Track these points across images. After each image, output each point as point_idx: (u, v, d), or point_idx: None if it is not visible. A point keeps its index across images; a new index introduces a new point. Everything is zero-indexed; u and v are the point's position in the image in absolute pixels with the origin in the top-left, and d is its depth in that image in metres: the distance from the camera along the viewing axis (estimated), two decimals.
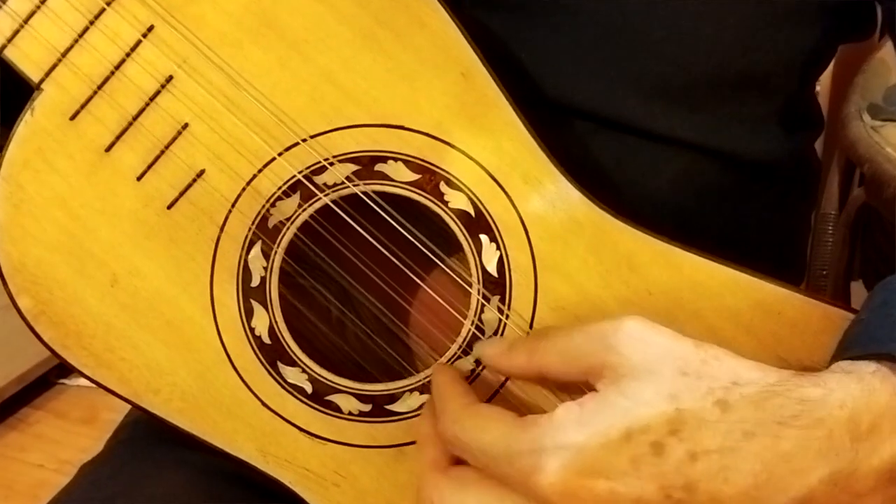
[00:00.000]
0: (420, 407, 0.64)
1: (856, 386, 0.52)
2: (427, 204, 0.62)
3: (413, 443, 0.64)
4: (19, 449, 2.08)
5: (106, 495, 0.73)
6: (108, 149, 0.61)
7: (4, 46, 0.59)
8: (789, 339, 0.61)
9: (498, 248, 0.62)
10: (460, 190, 0.62)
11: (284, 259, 0.63)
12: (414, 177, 0.62)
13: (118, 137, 0.61)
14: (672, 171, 0.71)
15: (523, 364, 0.57)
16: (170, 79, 0.60)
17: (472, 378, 0.63)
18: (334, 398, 0.64)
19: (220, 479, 0.72)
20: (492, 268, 0.62)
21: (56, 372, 2.20)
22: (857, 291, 1.04)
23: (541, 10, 0.67)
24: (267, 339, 0.63)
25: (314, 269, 0.64)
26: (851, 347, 0.55)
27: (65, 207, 0.62)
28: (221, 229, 0.62)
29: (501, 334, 0.63)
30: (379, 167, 0.61)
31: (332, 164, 0.61)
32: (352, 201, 0.62)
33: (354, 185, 0.62)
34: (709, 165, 0.72)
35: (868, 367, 0.53)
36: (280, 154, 0.61)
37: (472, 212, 0.62)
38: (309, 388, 0.64)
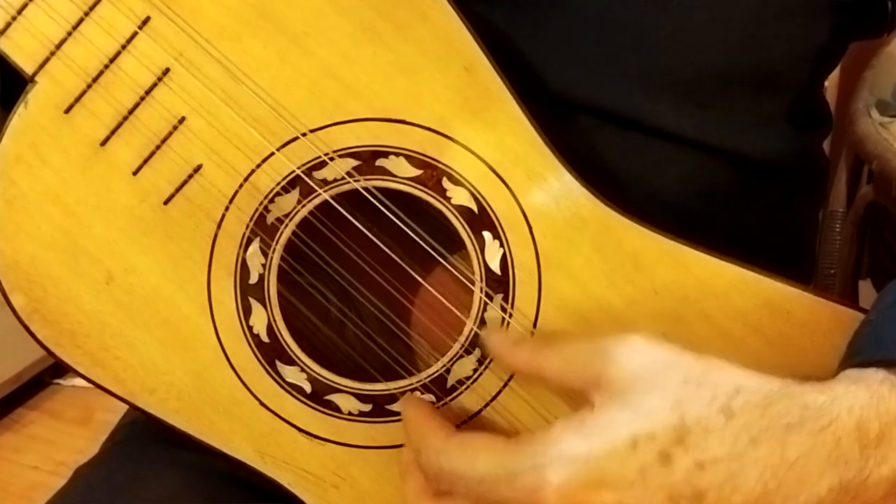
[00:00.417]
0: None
1: (864, 393, 0.52)
2: (429, 200, 0.62)
3: None
4: (13, 450, 2.08)
5: (102, 497, 0.73)
6: (104, 143, 0.61)
7: None
8: (798, 339, 0.61)
9: (501, 245, 0.62)
10: (463, 186, 0.61)
11: (283, 256, 0.62)
12: (415, 172, 0.61)
13: (113, 131, 0.60)
14: (678, 169, 0.71)
15: (525, 360, 0.57)
16: (166, 72, 0.60)
17: (473, 378, 0.63)
18: (334, 398, 0.64)
19: (217, 480, 0.72)
20: (495, 265, 0.62)
21: (51, 372, 2.20)
22: (866, 290, 1.04)
23: (545, 3, 0.67)
24: (265, 338, 0.63)
25: (313, 266, 0.64)
26: (860, 352, 0.55)
27: (59, 203, 0.61)
28: (219, 226, 0.62)
29: None
30: (380, 162, 0.61)
31: (331, 159, 0.61)
32: (352, 197, 0.62)
33: (355, 181, 0.61)
34: (716, 164, 0.72)
35: (876, 375, 0.53)
36: (279, 149, 0.61)
37: (474, 208, 0.61)
38: (308, 388, 0.64)
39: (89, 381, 0.64)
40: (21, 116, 0.60)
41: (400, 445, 0.64)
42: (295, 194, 0.61)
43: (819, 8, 0.70)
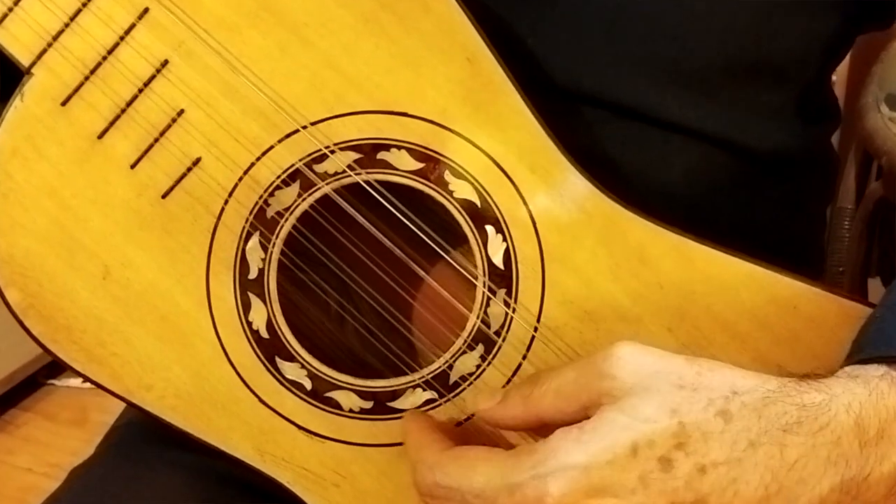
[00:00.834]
0: (423, 404, 0.64)
1: (862, 390, 0.52)
2: (431, 194, 0.62)
3: None
4: (7, 452, 2.08)
5: (97, 499, 0.73)
6: (101, 136, 0.61)
7: None
8: (806, 334, 0.61)
9: (504, 239, 0.62)
10: (465, 179, 0.62)
11: (283, 251, 0.63)
12: (417, 165, 0.61)
13: (111, 124, 0.61)
14: (684, 163, 0.71)
15: (520, 413, 0.57)
16: (165, 63, 0.60)
17: (476, 374, 0.63)
18: (334, 395, 0.64)
19: (215, 481, 0.72)
20: (498, 260, 0.62)
21: (45, 372, 2.20)
22: (875, 289, 1.04)
23: None
24: (265, 334, 0.63)
25: (314, 261, 0.64)
26: (864, 348, 0.56)
27: (55, 197, 0.62)
28: (218, 219, 0.62)
29: (508, 329, 0.63)
30: (381, 155, 0.61)
31: (332, 152, 0.61)
32: (353, 191, 0.62)
33: (356, 174, 0.62)
34: (722, 157, 0.72)
35: (876, 371, 0.53)
36: (279, 142, 0.61)
37: (477, 202, 0.62)
38: (308, 385, 0.64)
39: (85, 378, 0.64)
40: (17, 109, 0.60)
41: (402, 443, 0.64)
42: (295, 188, 0.62)
43: None
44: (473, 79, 0.61)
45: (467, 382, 0.63)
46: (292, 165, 0.61)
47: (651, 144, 0.70)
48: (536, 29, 0.67)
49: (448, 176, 0.62)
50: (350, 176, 0.62)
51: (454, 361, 0.63)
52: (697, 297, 0.62)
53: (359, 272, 0.65)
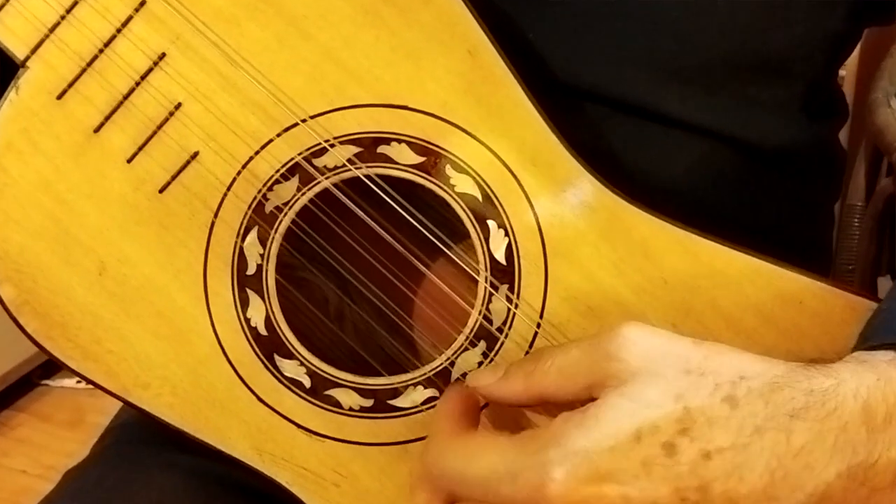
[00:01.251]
0: (425, 402, 0.64)
1: (870, 375, 0.52)
2: (432, 188, 0.62)
3: (418, 440, 0.64)
4: (0, 454, 2.08)
5: (93, 502, 0.73)
6: (97, 129, 0.61)
7: None
8: (811, 329, 0.62)
9: (506, 234, 0.62)
10: (467, 173, 0.62)
11: (282, 246, 0.63)
12: (418, 159, 0.62)
13: (107, 118, 0.61)
14: (687, 159, 0.72)
15: (521, 390, 0.56)
16: (162, 56, 0.60)
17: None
18: (334, 393, 0.64)
19: (213, 482, 0.73)
20: (500, 255, 0.63)
21: (39, 372, 2.20)
22: (885, 287, 1.04)
23: None
24: (263, 331, 0.64)
25: (313, 256, 0.65)
26: (870, 338, 0.56)
27: (50, 191, 0.62)
28: (216, 214, 0.62)
29: (510, 325, 0.63)
30: (382, 149, 0.62)
31: (332, 145, 0.61)
32: (353, 185, 0.62)
33: (356, 168, 0.62)
34: (726, 153, 0.72)
35: (885, 357, 0.53)
36: (278, 135, 0.61)
37: (479, 196, 0.62)
38: (307, 383, 0.64)
39: (81, 376, 0.64)
40: (12, 102, 0.61)
41: (403, 442, 0.65)
42: (294, 182, 0.62)
43: None
44: (474, 72, 0.61)
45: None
46: (291, 159, 0.62)
47: (653, 140, 0.71)
48: (537, 23, 0.68)
49: (449, 170, 0.62)
50: (350, 170, 0.62)
51: (456, 358, 0.64)
52: (702, 292, 0.62)
53: (359, 268, 0.66)
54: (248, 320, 0.64)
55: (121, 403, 0.66)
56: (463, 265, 0.64)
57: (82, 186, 0.62)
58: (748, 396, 0.51)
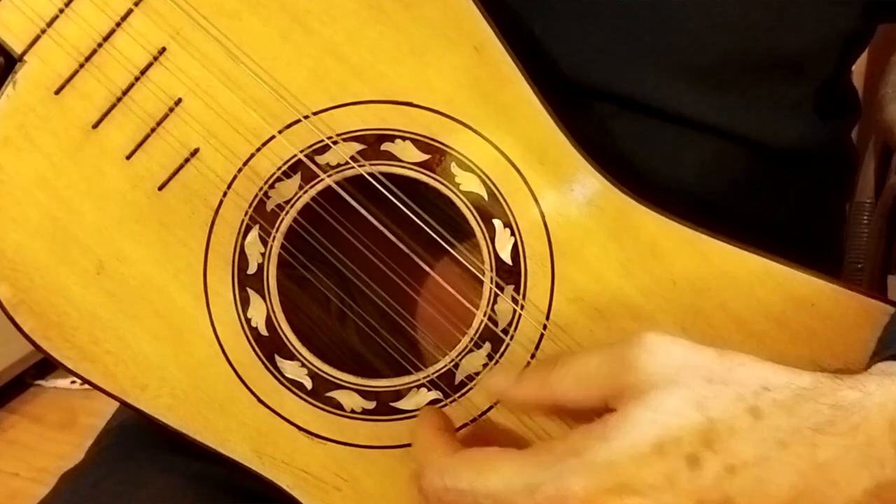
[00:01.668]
0: (428, 404, 0.64)
1: None
2: (437, 186, 0.62)
3: None
4: None
5: None
6: (96, 126, 0.61)
7: None
8: (824, 332, 0.62)
9: (512, 233, 0.62)
10: (472, 172, 0.62)
11: (283, 245, 0.63)
12: (423, 157, 0.62)
13: (106, 114, 0.61)
14: (697, 158, 0.72)
15: (536, 395, 0.56)
16: (162, 51, 0.60)
17: (483, 374, 0.63)
18: (336, 395, 0.64)
19: (211, 486, 0.72)
20: (506, 255, 0.63)
21: (32, 373, 2.20)
22: (895, 286, 1.04)
23: None
24: (264, 331, 0.64)
25: (315, 255, 0.65)
26: (892, 345, 0.55)
27: (47, 189, 0.62)
28: (216, 213, 0.62)
29: (516, 326, 0.63)
30: (385, 147, 0.62)
31: (335, 143, 0.62)
32: (356, 183, 0.62)
33: (359, 166, 0.62)
34: (737, 152, 0.72)
35: None
36: (280, 132, 0.61)
37: (484, 195, 0.62)
38: (308, 384, 0.64)
39: (78, 376, 0.64)
40: (9, 98, 0.61)
41: (406, 445, 0.65)
42: (296, 180, 0.62)
43: None
44: (481, 68, 0.61)
45: (474, 382, 0.64)
46: (293, 157, 0.62)
47: (662, 140, 0.70)
48: (545, 19, 0.68)
49: (454, 168, 0.62)
50: (353, 167, 0.62)
51: (460, 360, 0.64)
52: (712, 293, 0.62)
53: (361, 267, 0.66)
54: (248, 320, 0.64)
55: (116, 405, 0.66)
56: (468, 265, 0.64)
57: (80, 184, 0.62)
58: (772, 408, 0.50)
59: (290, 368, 0.64)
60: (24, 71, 0.60)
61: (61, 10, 0.59)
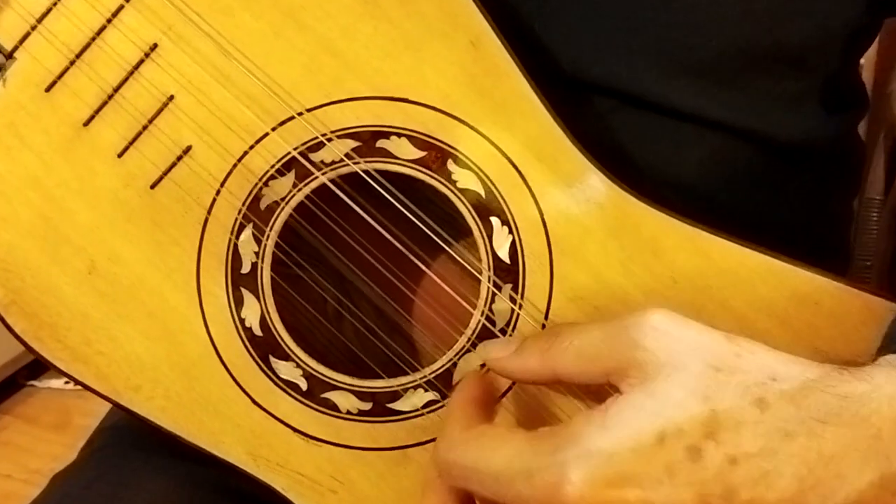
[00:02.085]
0: (425, 405, 0.64)
1: None
2: (433, 184, 0.63)
3: (418, 444, 0.65)
4: None
5: None
6: (87, 123, 0.62)
7: None
8: (827, 331, 0.62)
9: (510, 232, 0.63)
10: (469, 169, 0.62)
11: (278, 244, 0.63)
12: (419, 154, 0.62)
13: (97, 111, 0.62)
14: (699, 154, 0.72)
15: (535, 366, 0.56)
16: (154, 47, 0.61)
17: (483, 371, 0.63)
18: (331, 396, 0.65)
19: (206, 489, 0.73)
20: (503, 253, 0.63)
21: (25, 373, 2.20)
22: None
23: None
24: (258, 331, 0.64)
25: (310, 254, 0.65)
26: None
27: (39, 187, 0.62)
28: (209, 211, 0.63)
29: (514, 326, 0.63)
30: (381, 143, 0.62)
31: (329, 140, 0.62)
32: (351, 181, 0.63)
33: (354, 163, 0.62)
34: (740, 147, 0.72)
35: None
36: (273, 129, 0.62)
37: (482, 192, 0.62)
38: (304, 385, 0.65)
39: (70, 378, 0.65)
40: None
41: (403, 447, 0.65)
42: (290, 177, 0.62)
43: None
44: (477, 63, 0.61)
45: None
46: (287, 154, 0.62)
47: (663, 135, 0.71)
48: (543, 13, 0.68)
49: (451, 165, 0.62)
50: (348, 165, 0.62)
51: (458, 360, 0.64)
52: (713, 292, 0.62)
53: (357, 266, 0.66)
54: (242, 320, 0.64)
55: (110, 406, 0.66)
56: (465, 264, 0.64)
57: (71, 182, 0.62)
58: (779, 400, 0.50)
59: (285, 369, 0.64)
60: (13, 68, 0.61)
61: (52, 7, 0.60)
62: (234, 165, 0.62)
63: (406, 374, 0.65)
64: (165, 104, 0.61)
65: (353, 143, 0.62)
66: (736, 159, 0.73)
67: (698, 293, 0.62)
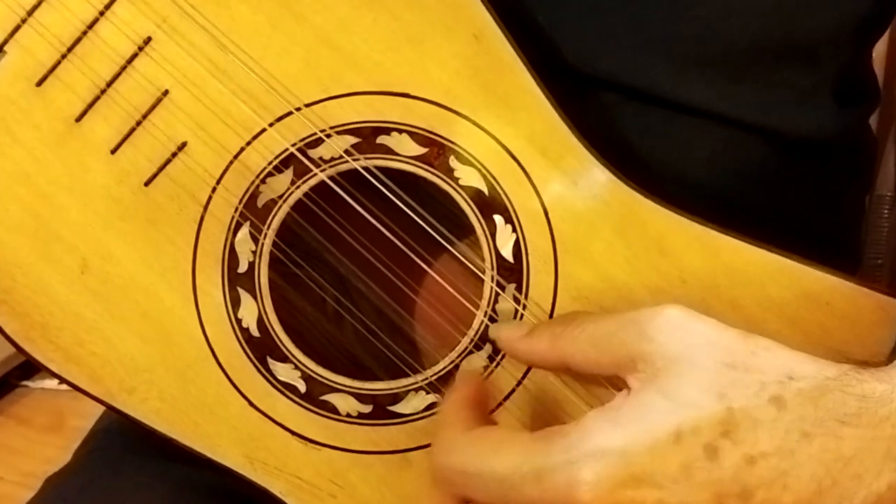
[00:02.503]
0: (426, 408, 0.64)
1: None
2: (435, 181, 0.62)
3: (419, 448, 0.65)
4: None
5: None
6: (79, 118, 0.61)
7: None
8: (839, 331, 0.62)
9: (514, 230, 0.62)
10: (472, 165, 0.62)
11: (275, 242, 0.63)
12: (420, 150, 0.62)
13: (90, 106, 0.61)
14: (708, 149, 0.72)
15: (545, 350, 0.56)
16: (148, 40, 0.61)
17: (484, 375, 0.63)
18: (330, 398, 0.65)
19: (202, 493, 0.73)
20: (507, 252, 0.63)
21: (18, 373, 2.21)
22: None
23: None
24: (255, 332, 0.64)
25: (309, 253, 0.65)
26: None
27: (30, 184, 0.62)
28: (205, 209, 0.63)
29: None
30: (381, 140, 0.62)
31: (329, 136, 0.62)
32: (351, 178, 0.63)
33: (354, 160, 0.62)
34: (749, 142, 0.72)
35: None
36: (271, 125, 0.61)
37: (485, 190, 0.62)
38: (302, 387, 0.64)
39: (62, 380, 0.65)
40: None
41: (404, 450, 0.65)
42: (288, 174, 0.62)
43: None
44: (480, 57, 0.61)
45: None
46: (285, 150, 0.62)
47: (671, 130, 0.70)
48: (547, 6, 0.68)
49: (453, 162, 0.62)
50: (347, 162, 0.62)
51: (460, 362, 0.64)
52: (722, 291, 0.62)
53: (357, 266, 0.66)
54: (239, 321, 0.64)
55: (104, 408, 0.66)
56: (467, 263, 0.64)
57: (63, 179, 0.62)
58: (796, 399, 0.50)
59: (283, 371, 0.64)
60: (3, 62, 0.60)
61: None
62: (231, 162, 0.62)
63: (407, 375, 0.65)
64: (160, 99, 0.61)
65: (352, 140, 0.62)
66: (745, 154, 0.73)
67: (707, 292, 0.62)
